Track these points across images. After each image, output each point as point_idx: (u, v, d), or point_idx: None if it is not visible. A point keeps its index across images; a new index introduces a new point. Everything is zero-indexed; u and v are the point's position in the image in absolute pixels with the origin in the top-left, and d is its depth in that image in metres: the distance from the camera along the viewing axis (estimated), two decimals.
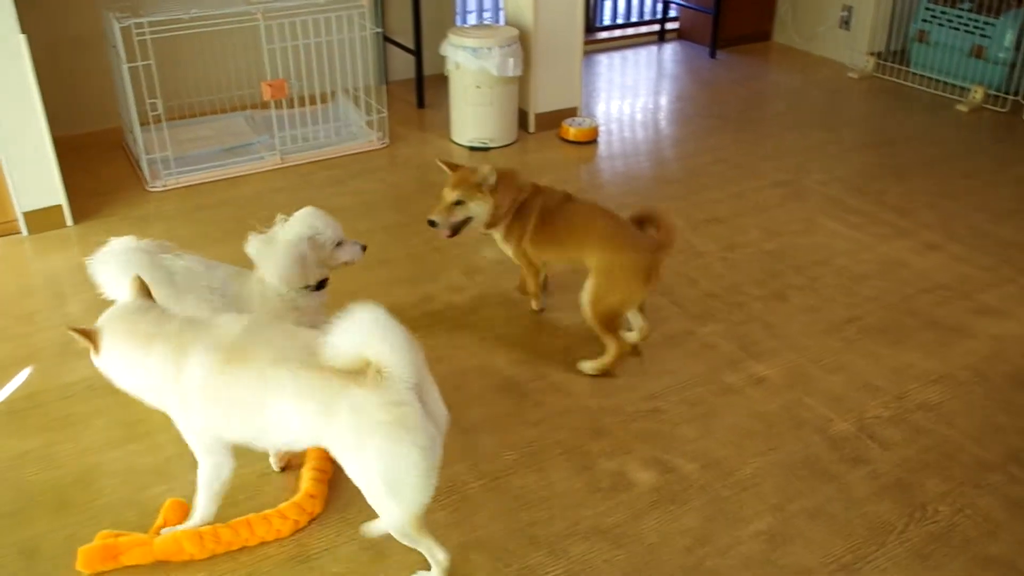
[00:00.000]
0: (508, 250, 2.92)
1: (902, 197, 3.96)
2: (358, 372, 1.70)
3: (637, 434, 2.49)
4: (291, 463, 2.35)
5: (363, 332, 1.66)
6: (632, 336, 2.84)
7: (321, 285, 2.45)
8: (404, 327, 1.67)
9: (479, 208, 2.75)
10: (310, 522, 2.17)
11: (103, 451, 2.43)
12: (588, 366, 2.72)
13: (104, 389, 2.63)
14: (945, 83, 5.28)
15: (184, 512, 2.16)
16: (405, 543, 1.89)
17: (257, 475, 2.33)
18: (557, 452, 2.42)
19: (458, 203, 2.73)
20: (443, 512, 2.21)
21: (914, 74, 5.44)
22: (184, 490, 2.24)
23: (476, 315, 2.98)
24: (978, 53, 5.09)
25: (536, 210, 2.77)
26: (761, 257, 3.44)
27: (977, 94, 5.03)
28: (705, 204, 3.90)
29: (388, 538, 2.11)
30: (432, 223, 2.76)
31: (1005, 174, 4.22)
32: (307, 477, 2.25)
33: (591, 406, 2.60)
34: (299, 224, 2.42)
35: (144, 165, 4.05)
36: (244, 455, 2.26)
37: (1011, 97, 4.95)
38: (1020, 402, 2.62)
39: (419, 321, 3.01)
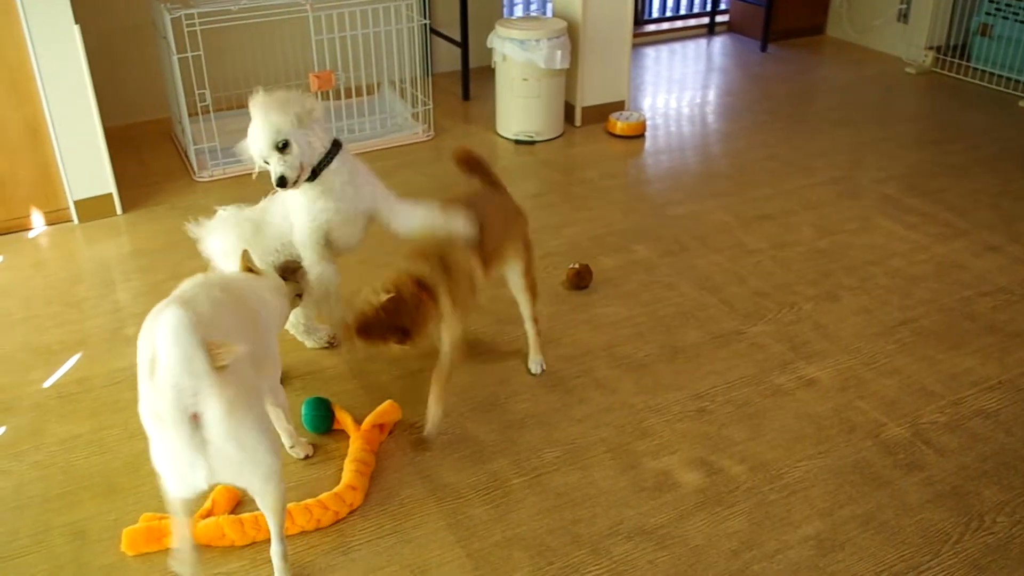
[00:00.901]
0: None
1: (961, 196, 3.84)
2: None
3: (683, 434, 2.44)
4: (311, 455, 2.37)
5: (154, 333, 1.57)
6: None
7: None
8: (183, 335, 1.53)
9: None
10: (350, 513, 2.17)
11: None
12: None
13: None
14: (1008, 79, 5.13)
15: (233, 499, 2.17)
16: None
17: (301, 466, 2.33)
18: (601, 450, 2.38)
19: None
20: (484, 507, 2.19)
21: (975, 69, 5.30)
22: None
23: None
24: None
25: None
26: (813, 256, 3.36)
27: None
28: (755, 201, 3.82)
29: (430, 535, 2.11)
30: None
31: None
32: (349, 469, 2.24)
33: (636, 404, 2.56)
34: None
35: (192, 155, 4.09)
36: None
37: None
38: None
39: None
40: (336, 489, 2.19)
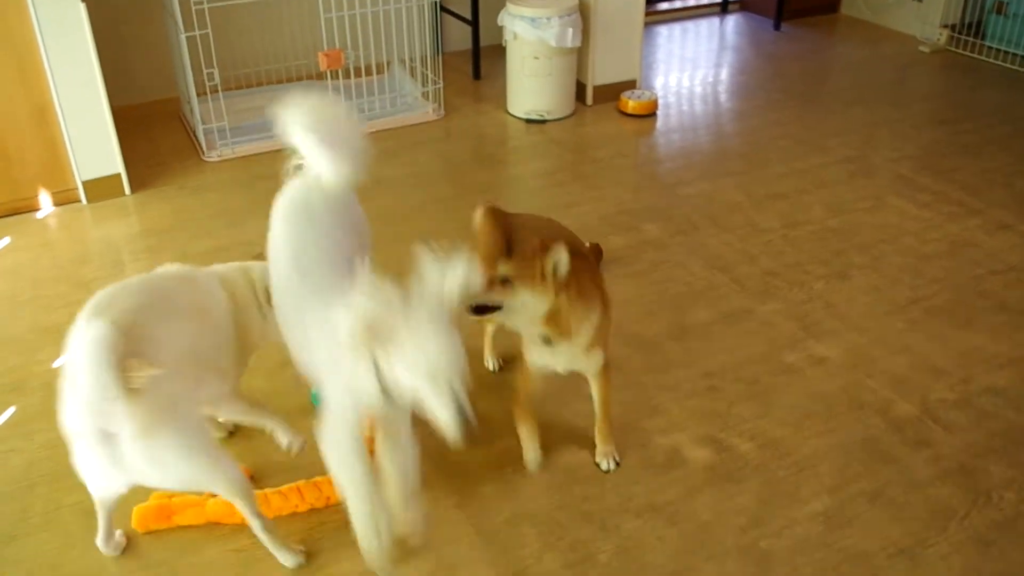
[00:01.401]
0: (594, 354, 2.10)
1: (974, 176, 3.81)
2: None
3: (692, 412, 2.44)
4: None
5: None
6: None
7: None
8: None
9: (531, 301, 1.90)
10: None
11: None
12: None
13: None
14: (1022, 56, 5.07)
15: (248, 474, 2.19)
16: None
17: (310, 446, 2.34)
18: (616, 429, 2.38)
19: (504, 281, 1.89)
20: (494, 485, 2.20)
21: (990, 48, 5.23)
22: (245, 458, 2.26)
23: None
24: None
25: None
26: (825, 235, 3.35)
27: None
28: (767, 180, 3.80)
29: (439, 513, 2.12)
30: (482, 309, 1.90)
31: None
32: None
33: (646, 382, 2.56)
34: None
35: (200, 135, 4.09)
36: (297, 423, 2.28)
37: None
38: None
39: None
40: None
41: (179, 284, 1.97)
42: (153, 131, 4.35)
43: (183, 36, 3.79)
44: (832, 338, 2.74)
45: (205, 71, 3.91)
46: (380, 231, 3.28)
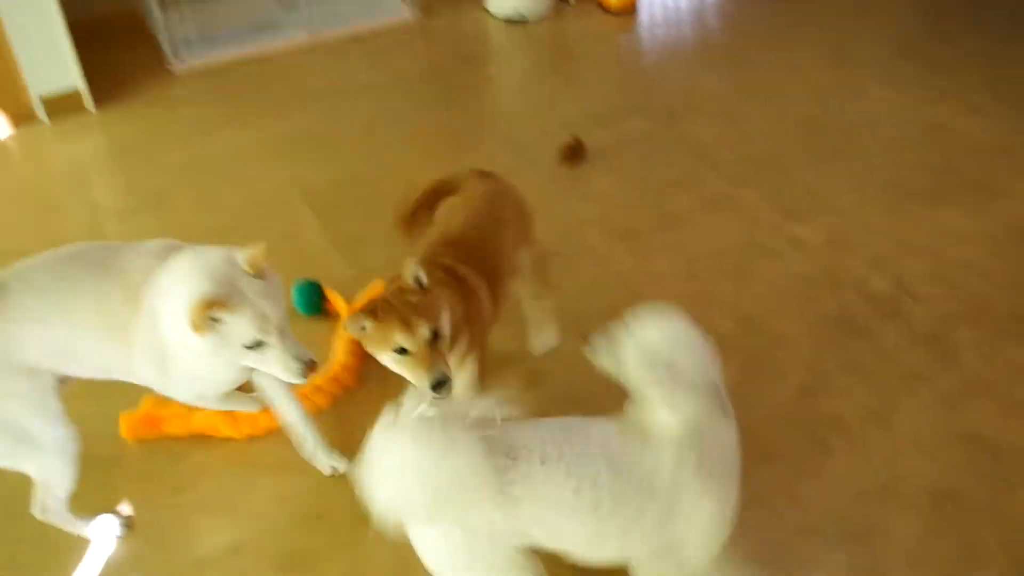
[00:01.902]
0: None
1: (948, 60, 3.84)
2: None
3: (674, 296, 2.51)
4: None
5: None
6: None
7: None
8: None
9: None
10: (349, 392, 2.23)
11: None
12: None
13: None
14: None
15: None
16: None
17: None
18: (594, 316, 2.45)
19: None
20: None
21: None
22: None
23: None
24: None
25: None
26: (805, 122, 3.39)
27: None
28: (750, 72, 3.82)
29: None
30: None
31: None
32: (342, 350, 2.26)
33: (631, 273, 2.63)
34: None
35: (167, 46, 3.98)
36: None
37: None
38: None
39: None
40: (330, 373, 2.22)
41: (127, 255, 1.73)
42: (117, 44, 4.19)
43: None
44: (811, 221, 2.82)
45: None
46: (366, 140, 3.32)
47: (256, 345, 1.59)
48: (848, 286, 2.53)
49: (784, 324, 2.40)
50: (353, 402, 2.21)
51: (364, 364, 2.26)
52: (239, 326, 1.56)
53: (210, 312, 1.52)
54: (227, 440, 2.13)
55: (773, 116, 3.44)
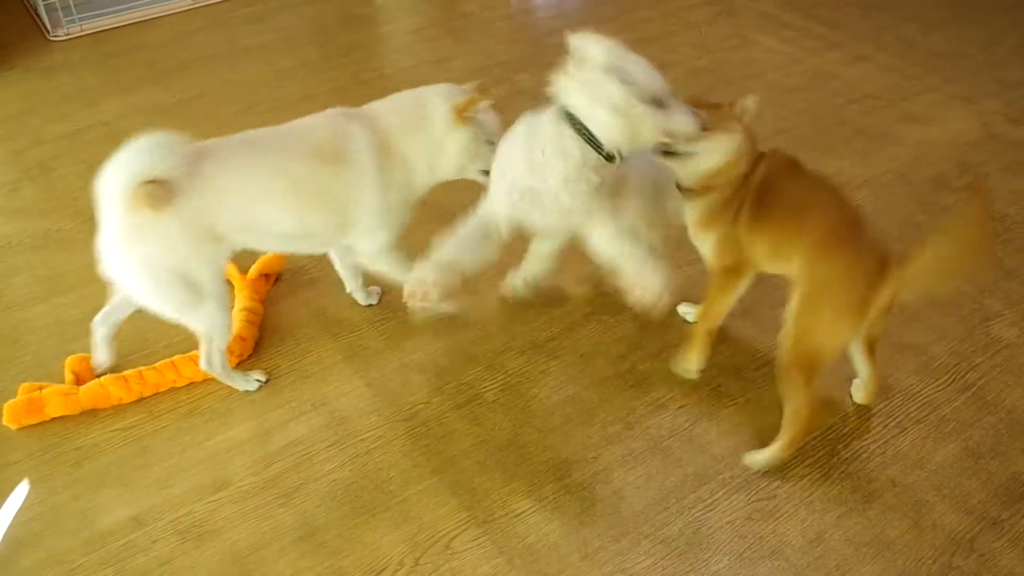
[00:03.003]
0: (705, 239, 1.95)
1: (834, 10, 3.90)
2: None
3: (570, 253, 2.50)
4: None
5: None
6: (856, 392, 2.02)
7: None
8: None
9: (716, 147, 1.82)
10: (239, 363, 2.17)
11: (28, 306, 2.39)
12: (759, 459, 1.88)
13: (21, 246, 2.58)
14: None
15: (90, 365, 2.13)
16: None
17: None
18: (490, 272, 2.42)
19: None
20: (379, 338, 2.24)
21: None
22: (115, 340, 2.21)
23: None
24: None
25: (758, 180, 1.85)
26: (693, 74, 3.39)
27: None
28: (637, 24, 3.81)
29: (327, 369, 2.15)
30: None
31: None
32: (238, 319, 2.22)
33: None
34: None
35: (43, 12, 3.80)
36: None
37: None
38: (939, 201, 2.68)
39: None
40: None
41: None
42: None
43: None
44: None
45: None
46: (254, 103, 3.22)
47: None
48: None
49: (681, 275, 2.39)
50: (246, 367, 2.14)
51: (260, 335, 2.26)
52: (488, 118, 2.08)
53: (467, 111, 2.00)
54: (118, 411, 2.05)
55: (661, 67, 3.42)
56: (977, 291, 2.32)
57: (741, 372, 2.12)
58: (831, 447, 1.92)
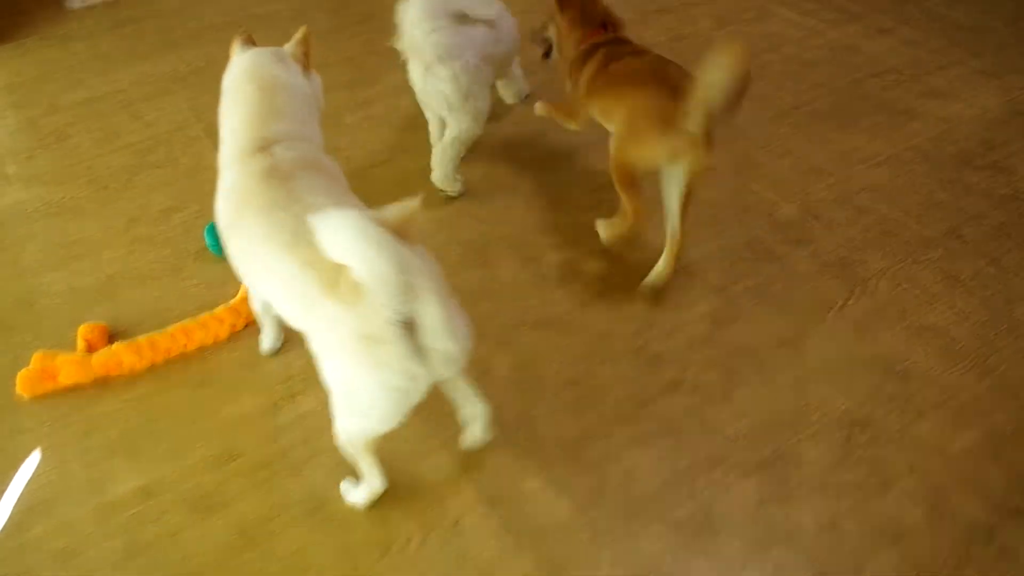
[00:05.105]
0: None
1: None
2: (337, 278, 1.40)
3: (583, 228, 2.47)
4: None
5: (336, 242, 1.29)
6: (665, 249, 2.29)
7: None
8: (400, 243, 1.31)
9: (552, 35, 2.56)
10: (247, 326, 2.16)
11: (41, 273, 2.38)
12: (601, 228, 2.28)
13: (36, 213, 2.57)
14: None
15: (103, 333, 2.13)
16: (347, 452, 1.72)
17: (190, 284, 2.30)
18: (503, 246, 2.40)
19: (543, 25, 2.58)
20: None
21: None
22: (128, 307, 2.22)
23: (421, 118, 2.88)
24: None
25: (600, 55, 2.28)
26: (709, 43, 3.32)
27: None
28: None
29: None
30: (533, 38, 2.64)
31: None
32: (244, 289, 2.20)
33: (540, 204, 2.57)
34: None
35: None
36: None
37: None
38: (962, 180, 2.63)
39: (360, 125, 2.92)
40: (232, 302, 2.18)
41: None
42: None
43: None
44: (718, 146, 2.77)
45: None
46: None
47: None
48: (757, 212, 2.51)
49: (694, 252, 2.37)
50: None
51: None
52: None
53: None
54: (129, 381, 2.04)
55: (678, 39, 3.38)
56: (1000, 271, 2.28)
57: (757, 353, 2.09)
58: (847, 431, 1.90)
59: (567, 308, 2.22)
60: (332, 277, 1.39)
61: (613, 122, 2.20)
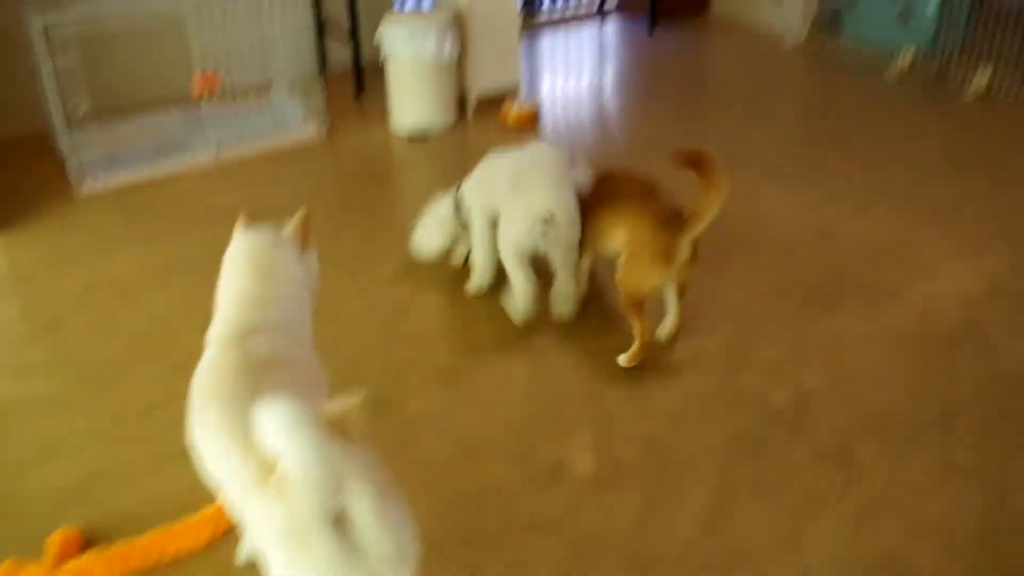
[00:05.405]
0: None
1: (838, 163, 3.99)
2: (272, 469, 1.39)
3: (574, 418, 2.47)
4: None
5: (268, 431, 1.30)
6: (661, 330, 2.79)
7: None
8: (329, 437, 1.31)
9: None
10: (225, 534, 2.09)
11: (21, 471, 2.35)
12: (625, 360, 2.65)
13: (21, 407, 2.57)
14: (876, 49, 5.29)
15: (75, 541, 2.06)
16: None
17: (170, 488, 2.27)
18: (499, 445, 2.39)
19: None
20: None
21: (847, 42, 5.47)
22: (105, 510, 2.18)
23: (413, 306, 2.93)
24: (905, 18, 5.12)
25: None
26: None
27: (906, 59, 5.05)
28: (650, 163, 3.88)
29: None
30: None
31: (929, 136, 4.32)
32: None
33: (530, 392, 2.58)
34: None
35: (73, 168, 3.92)
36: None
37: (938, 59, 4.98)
38: (949, 361, 2.66)
39: (352, 313, 2.96)
40: (209, 509, 2.10)
41: None
42: (22, 164, 4.14)
43: (47, 65, 3.62)
44: (708, 333, 2.81)
45: (74, 100, 3.74)
46: None
47: None
48: (749, 403, 2.51)
49: (686, 447, 2.35)
50: None
51: None
52: None
53: None
54: None
55: None
56: (994, 457, 2.25)
57: (751, 556, 2.03)
58: None
59: (559, 510, 2.17)
60: (268, 468, 1.38)
61: (612, 247, 2.66)
